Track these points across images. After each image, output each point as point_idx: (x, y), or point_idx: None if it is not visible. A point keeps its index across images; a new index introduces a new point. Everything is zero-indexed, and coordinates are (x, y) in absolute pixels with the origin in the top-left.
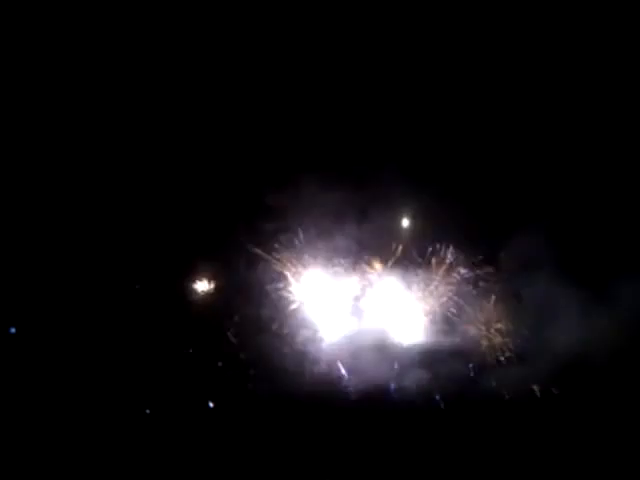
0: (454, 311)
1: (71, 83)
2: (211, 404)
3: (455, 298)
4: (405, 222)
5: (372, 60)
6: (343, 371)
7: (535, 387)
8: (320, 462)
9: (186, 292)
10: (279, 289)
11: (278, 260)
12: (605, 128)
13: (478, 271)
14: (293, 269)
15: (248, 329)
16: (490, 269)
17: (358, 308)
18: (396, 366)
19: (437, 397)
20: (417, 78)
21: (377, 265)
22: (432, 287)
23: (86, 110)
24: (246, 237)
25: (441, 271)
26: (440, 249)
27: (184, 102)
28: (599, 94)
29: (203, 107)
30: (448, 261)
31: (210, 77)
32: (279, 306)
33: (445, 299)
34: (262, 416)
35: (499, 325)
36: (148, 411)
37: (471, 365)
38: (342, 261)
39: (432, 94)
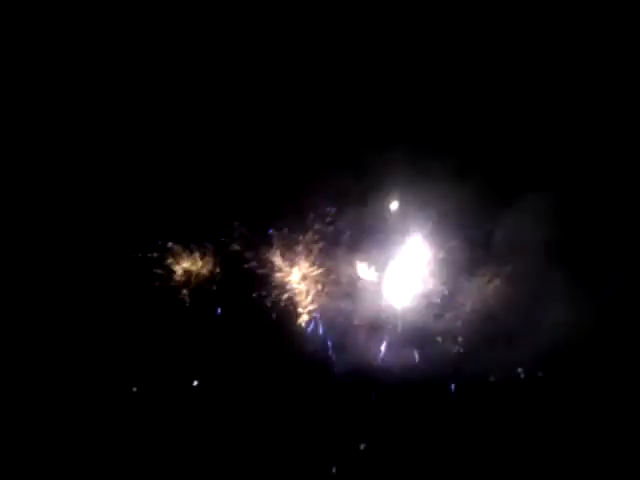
0: (445, 293)
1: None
2: (195, 382)
3: (446, 280)
4: (400, 205)
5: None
6: (330, 350)
7: (520, 370)
8: (305, 440)
9: (178, 272)
10: (274, 270)
11: (273, 243)
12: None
13: (471, 253)
14: (288, 251)
15: (241, 309)
16: (483, 251)
17: (351, 289)
18: (384, 346)
19: (424, 377)
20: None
21: (371, 247)
22: (424, 269)
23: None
24: (243, 219)
25: (433, 254)
26: (433, 232)
27: (178, 84)
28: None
29: (201, 91)
30: (440, 244)
31: (205, 62)
32: (273, 288)
33: (436, 281)
34: (250, 395)
35: (489, 307)
36: (135, 389)
37: (460, 347)
38: (337, 242)
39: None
